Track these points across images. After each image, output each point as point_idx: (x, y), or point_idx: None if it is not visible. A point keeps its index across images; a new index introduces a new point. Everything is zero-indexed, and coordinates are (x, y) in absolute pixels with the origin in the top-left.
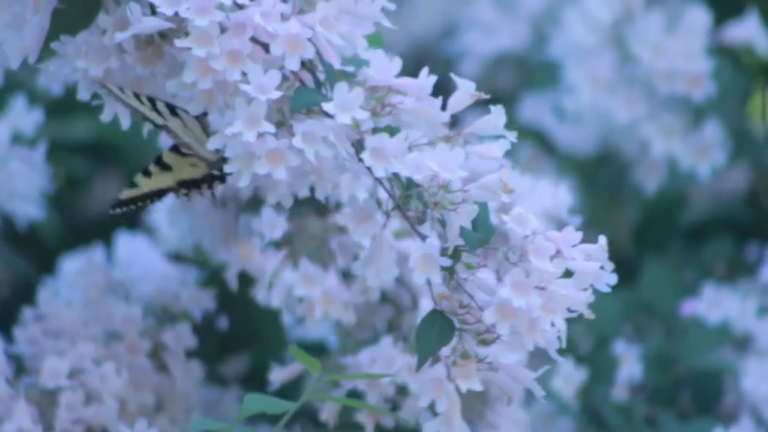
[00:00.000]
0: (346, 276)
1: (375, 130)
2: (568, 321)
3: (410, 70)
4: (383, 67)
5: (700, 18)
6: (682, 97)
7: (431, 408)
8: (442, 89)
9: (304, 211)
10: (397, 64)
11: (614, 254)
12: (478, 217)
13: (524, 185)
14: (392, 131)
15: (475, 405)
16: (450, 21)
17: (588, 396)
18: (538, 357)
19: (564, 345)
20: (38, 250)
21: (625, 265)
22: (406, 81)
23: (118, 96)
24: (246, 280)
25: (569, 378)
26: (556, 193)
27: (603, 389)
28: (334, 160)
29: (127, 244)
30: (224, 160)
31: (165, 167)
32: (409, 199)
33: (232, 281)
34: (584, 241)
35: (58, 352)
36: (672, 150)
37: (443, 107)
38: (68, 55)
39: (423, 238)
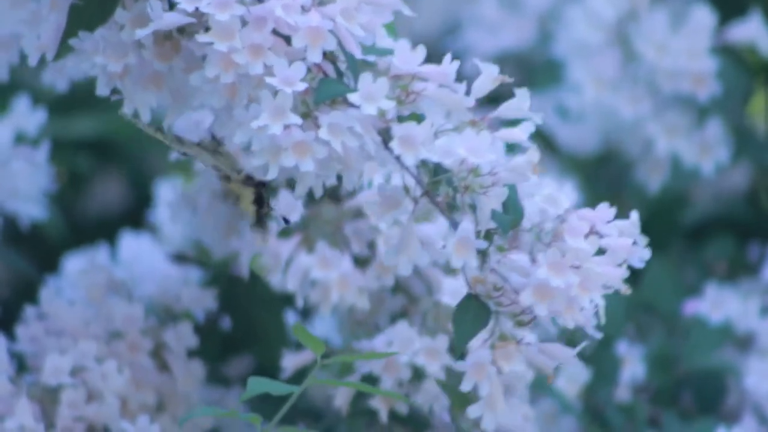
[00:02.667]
0: (359, 262)
1: (399, 119)
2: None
3: None
4: (407, 56)
5: (705, 17)
6: (686, 95)
7: (454, 392)
8: None
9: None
10: (421, 52)
11: None
12: (508, 199)
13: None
14: (418, 119)
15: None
16: (451, 19)
17: (591, 396)
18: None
19: (603, 321)
20: (41, 249)
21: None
22: (430, 68)
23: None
24: (249, 279)
25: (572, 378)
26: (561, 191)
27: (606, 389)
28: (360, 150)
29: (130, 243)
30: (250, 178)
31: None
32: (438, 185)
33: (244, 269)
34: None
35: (60, 350)
36: (676, 148)
37: (467, 92)
38: (86, 52)
39: (454, 223)
